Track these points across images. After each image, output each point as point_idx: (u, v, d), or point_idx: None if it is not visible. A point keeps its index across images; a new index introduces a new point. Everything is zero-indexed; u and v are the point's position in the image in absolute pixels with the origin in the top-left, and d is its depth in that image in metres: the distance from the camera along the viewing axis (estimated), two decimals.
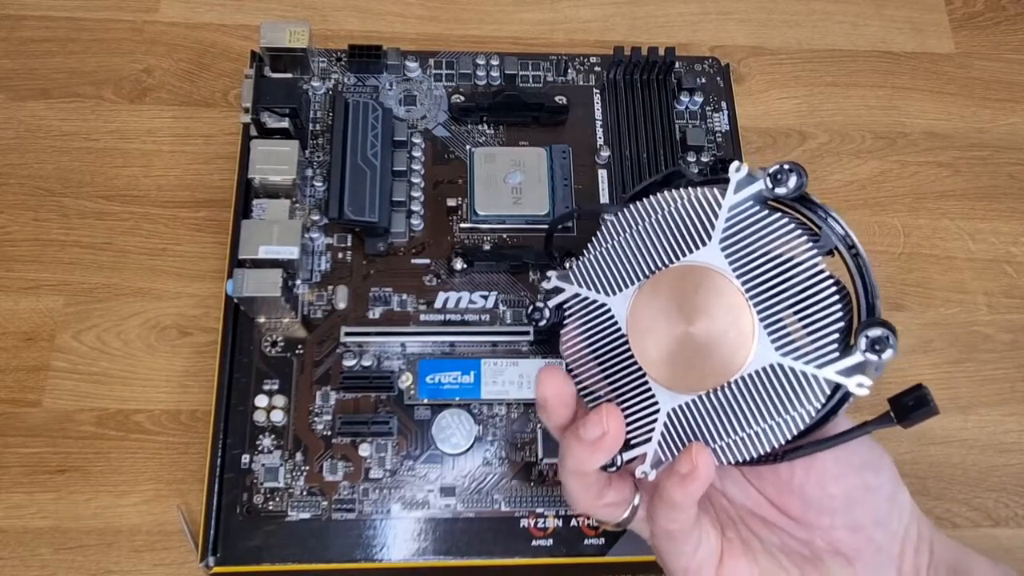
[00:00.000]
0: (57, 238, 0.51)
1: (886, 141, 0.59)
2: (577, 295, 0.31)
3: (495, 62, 0.50)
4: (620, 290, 0.30)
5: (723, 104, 0.51)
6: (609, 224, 0.31)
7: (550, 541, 0.40)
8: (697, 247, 0.28)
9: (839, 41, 0.62)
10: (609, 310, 0.30)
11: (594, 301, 0.31)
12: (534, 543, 0.40)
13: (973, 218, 0.57)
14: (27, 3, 0.57)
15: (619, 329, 0.30)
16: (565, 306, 0.32)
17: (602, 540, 0.40)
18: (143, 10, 0.58)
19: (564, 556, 0.40)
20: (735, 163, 0.28)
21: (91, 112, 0.54)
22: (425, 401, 0.42)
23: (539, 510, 0.40)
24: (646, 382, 0.29)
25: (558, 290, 0.32)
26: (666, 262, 0.29)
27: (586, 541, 0.40)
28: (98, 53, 0.56)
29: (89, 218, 0.51)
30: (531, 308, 0.33)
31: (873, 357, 0.25)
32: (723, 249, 0.28)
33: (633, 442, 0.30)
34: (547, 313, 0.33)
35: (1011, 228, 0.57)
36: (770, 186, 0.27)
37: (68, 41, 0.56)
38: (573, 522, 0.40)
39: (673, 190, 0.30)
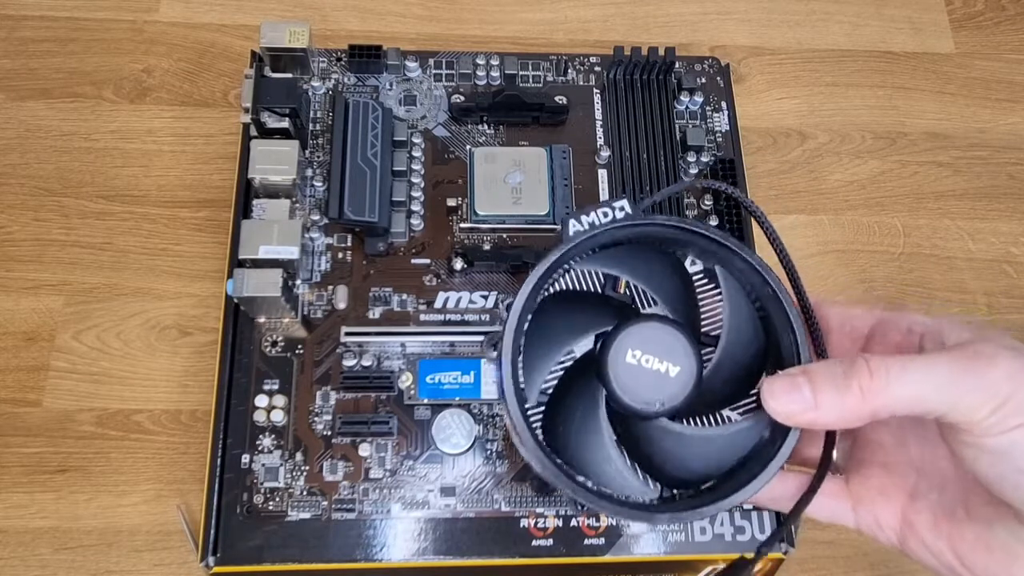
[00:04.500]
0: (57, 238, 0.51)
1: (886, 141, 0.59)
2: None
3: (495, 62, 0.50)
4: None
5: (723, 104, 0.51)
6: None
7: (550, 541, 0.40)
8: None
9: (839, 41, 0.62)
10: None
11: None
12: (534, 543, 0.40)
13: (973, 218, 0.57)
14: (27, 3, 0.57)
15: None
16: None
17: (602, 540, 0.40)
18: (143, 10, 0.58)
19: (564, 556, 0.40)
20: None
21: (91, 112, 0.54)
22: (425, 401, 0.42)
23: (539, 510, 0.40)
24: None
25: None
26: None
27: (586, 541, 0.40)
28: (98, 53, 0.56)
29: (89, 218, 0.51)
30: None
31: None
32: None
33: None
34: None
35: (1011, 228, 0.57)
36: None
37: (68, 41, 0.56)
38: (573, 522, 0.40)
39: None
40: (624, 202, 0.29)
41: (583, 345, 0.30)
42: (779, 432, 0.27)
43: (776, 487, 0.28)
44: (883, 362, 0.24)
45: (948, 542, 0.26)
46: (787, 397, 0.26)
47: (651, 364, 0.27)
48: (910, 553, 0.27)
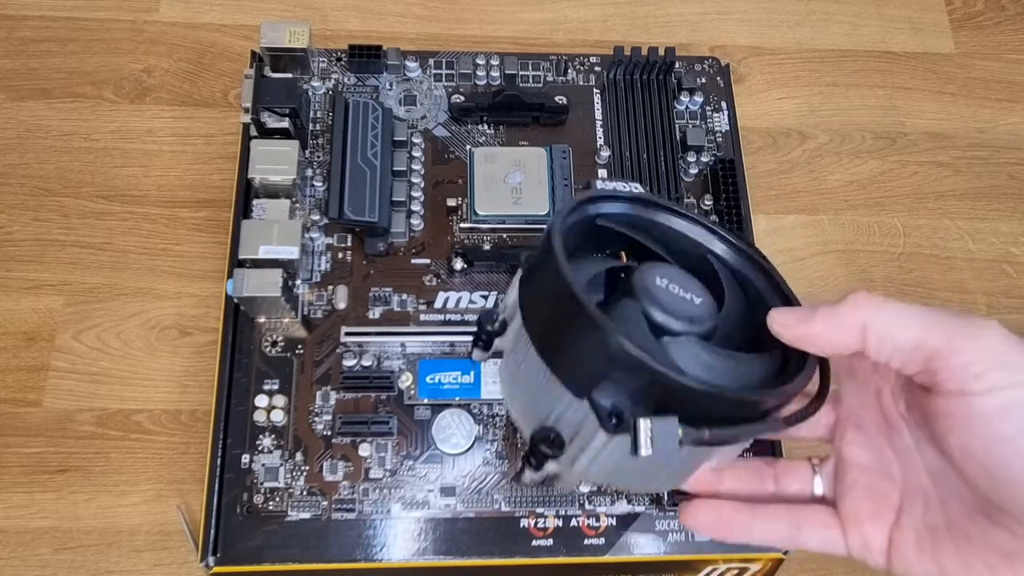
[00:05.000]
0: (57, 238, 0.51)
1: (886, 141, 0.59)
2: None
3: (495, 62, 0.50)
4: None
5: (723, 104, 0.51)
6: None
7: (550, 541, 0.40)
8: None
9: (839, 41, 0.62)
10: None
11: None
12: (534, 543, 0.40)
13: (973, 218, 0.57)
14: (27, 3, 0.57)
15: None
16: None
17: (602, 540, 0.40)
18: (143, 10, 0.58)
19: (564, 556, 0.40)
20: None
21: (91, 112, 0.54)
22: (425, 401, 0.42)
23: (539, 510, 0.40)
24: None
25: None
26: None
27: (586, 541, 0.40)
28: (98, 53, 0.56)
29: (89, 218, 0.51)
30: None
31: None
32: None
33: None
34: None
35: (1011, 228, 0.57)
36: None
37: (68, 41, 0.56)
38: (573, 522, 0.40)
39: None
40: (636, 184, 0.31)
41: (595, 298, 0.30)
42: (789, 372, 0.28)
43: (768, 525, 0.29)
44: (880, 295, 0.26)
45: (932, 559, 0.27)
46: (788, 312, 0.27)
47: (677, 291, 0.28)
48: (897, 573, 0.28)
